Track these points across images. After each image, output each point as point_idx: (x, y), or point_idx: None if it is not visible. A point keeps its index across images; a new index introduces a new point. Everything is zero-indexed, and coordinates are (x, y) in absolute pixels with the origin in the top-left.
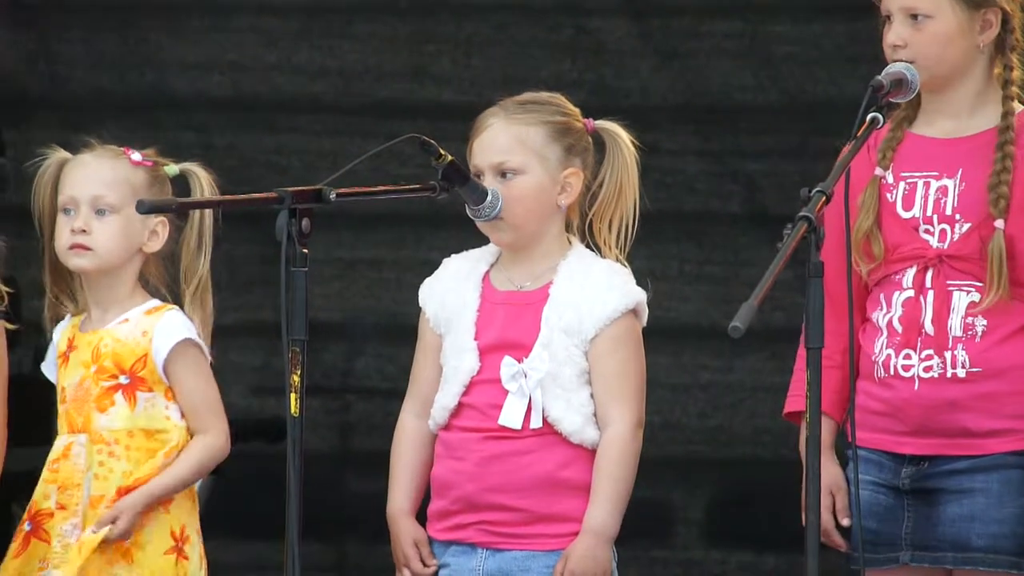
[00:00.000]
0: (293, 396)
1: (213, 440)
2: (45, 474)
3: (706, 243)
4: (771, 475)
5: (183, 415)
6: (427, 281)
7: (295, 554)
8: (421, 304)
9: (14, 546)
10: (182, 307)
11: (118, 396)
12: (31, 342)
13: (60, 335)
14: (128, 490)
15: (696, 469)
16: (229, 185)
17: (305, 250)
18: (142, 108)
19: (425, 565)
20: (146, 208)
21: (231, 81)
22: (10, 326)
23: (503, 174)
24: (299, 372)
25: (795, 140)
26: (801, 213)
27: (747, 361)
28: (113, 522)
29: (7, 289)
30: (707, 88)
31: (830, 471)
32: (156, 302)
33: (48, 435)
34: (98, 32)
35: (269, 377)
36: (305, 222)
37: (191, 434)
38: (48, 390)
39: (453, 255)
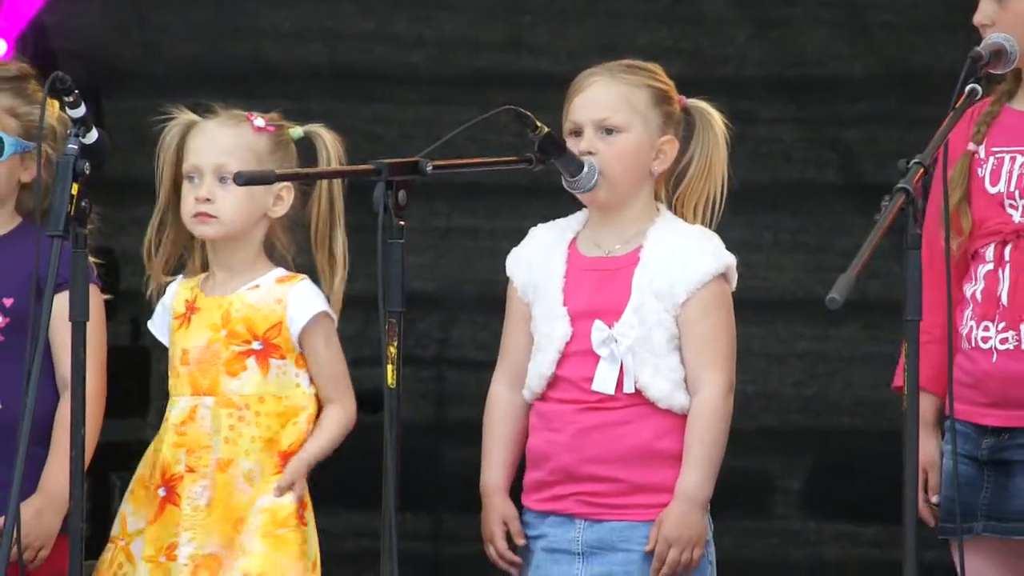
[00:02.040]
0: (390, 367)
1: (348, 410)
2: (171, 436)
3: (802, 212)
4: (868, 445)
5: (311, 383)
6: (514, 251)
7: (391, 523)
8: (509, 273)
9: (149, 512)
10: (315, 274)
11: (250, 361)
12: (126, 314)
13: (174, 296)
14: (289, 455)
15: (793, 439)
16: None
17: (402, 222)
18: (237, 77)
19: (512, 543)
20: (244, 180)
21: (328, 50)
22: (107, 296)
23: (607, 131)
24: (396, 344)
25: (892, 108)
26: (899, 184)
27: (843, 330)
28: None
29: (96, 260)
30: (803, 57)
31: (927, 448)
32: (282, 271)
33: (143, 406)
34: (193, 0)
35: (365, 347)
36: (402, 194)
37: (320, 403)
38: (143, 360)
39: (540, 224)
